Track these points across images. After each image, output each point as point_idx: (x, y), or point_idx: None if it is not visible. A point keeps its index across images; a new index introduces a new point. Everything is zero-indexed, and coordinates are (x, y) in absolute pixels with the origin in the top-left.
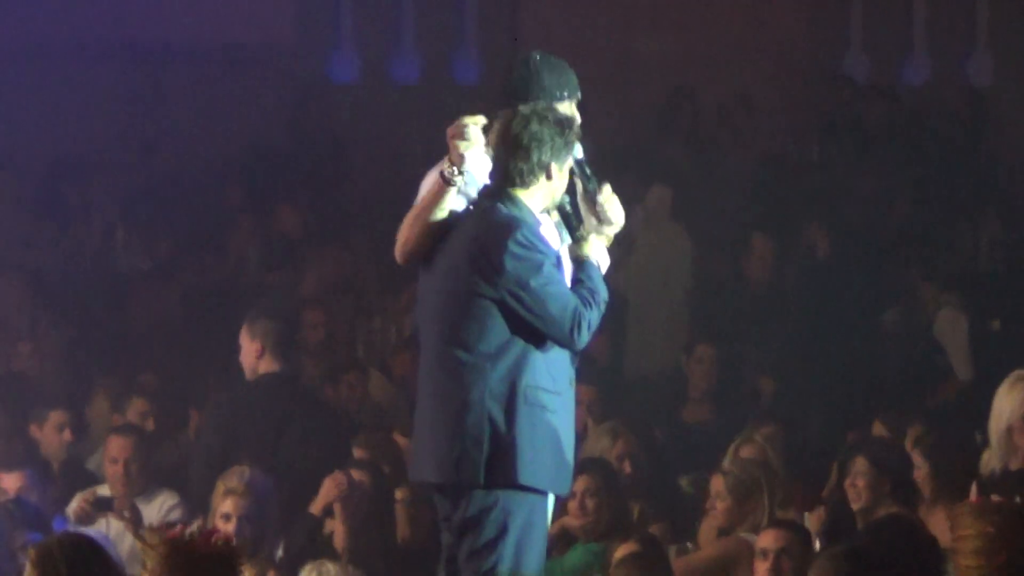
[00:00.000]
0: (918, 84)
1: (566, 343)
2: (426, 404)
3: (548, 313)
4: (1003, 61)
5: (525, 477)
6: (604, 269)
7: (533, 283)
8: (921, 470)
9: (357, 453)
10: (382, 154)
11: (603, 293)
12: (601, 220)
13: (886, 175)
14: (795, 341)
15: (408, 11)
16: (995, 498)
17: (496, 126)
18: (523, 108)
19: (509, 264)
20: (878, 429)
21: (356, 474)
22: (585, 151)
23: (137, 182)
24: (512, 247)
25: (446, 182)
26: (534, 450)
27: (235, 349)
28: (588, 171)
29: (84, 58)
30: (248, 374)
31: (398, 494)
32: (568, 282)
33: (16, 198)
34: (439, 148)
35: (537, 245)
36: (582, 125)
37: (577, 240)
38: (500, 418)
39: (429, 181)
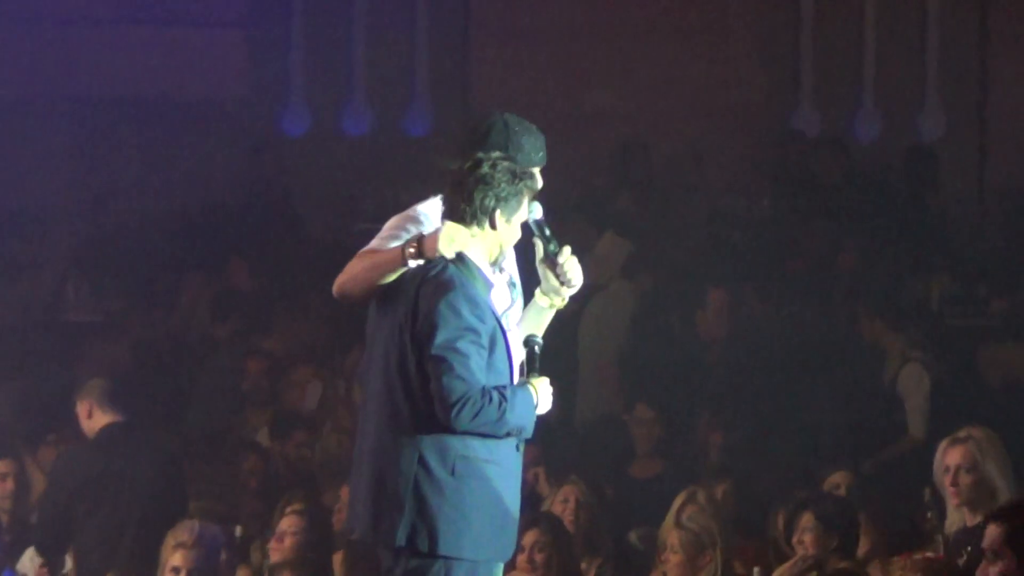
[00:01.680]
0: (868, 141)
1: (444, 418)
2: (362, 451)
3: (442, 380)
4: (953, 116)
5: (449, 547)
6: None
7: (442, 344)
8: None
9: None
10: (333, 206)
11: (516, 421)
12: (562, 282)
13: (835, 228)
14: (746, 396)
15: (359, 64)
16: (928, 555)
17: (450, 173)
18: (480, 154)
19: (437, 324)
20: (834, 481)
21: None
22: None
23: (87, 234)
24: (443, 309)
25: (404, 261)
26: (465, 520)
27: (185, 402)
28: (548, 232)
29: (33, 110)
30: (88, 435)
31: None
32: (511, 343)
33: None
34: (391, 199)
35: (466, 313)
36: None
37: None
38: (427, 486)
39: (393, 225)
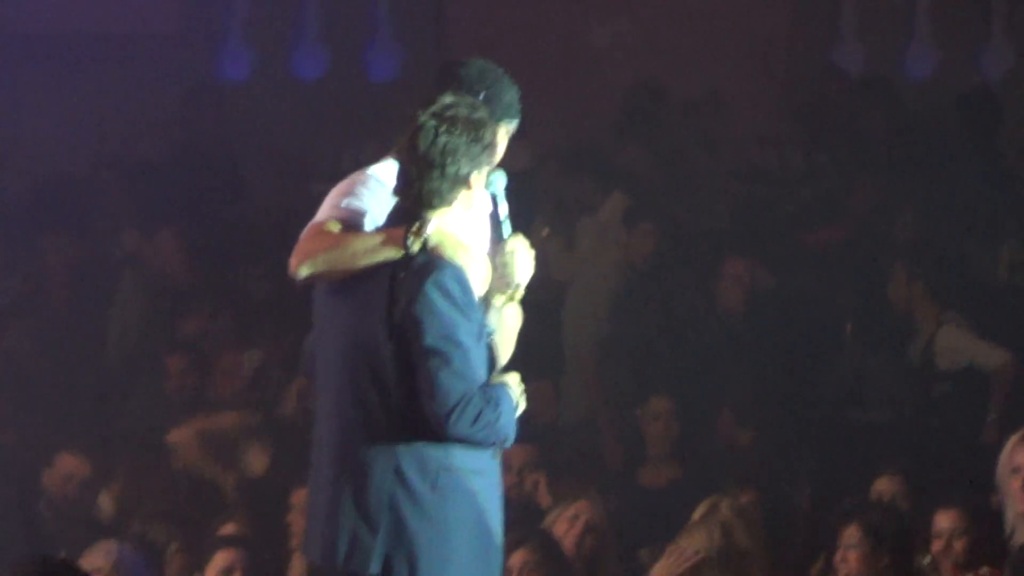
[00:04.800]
0: (922, 78)
1: (438, 423)
2: (322, 466)
3: (438, 377)
4: (1022, 50)
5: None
6: (511, 341)
7: (436, 335)
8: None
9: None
10: (281, 164)
11: (505, 426)
12: (501, 277)
13: (886, 186)
14: (774, 386)
15: None
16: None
17: (401, 139)
18: (422, 116)
19: (427, 311)
20: (880, 488)
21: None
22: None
23: None
24: (432, 293)
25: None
26: (448, 544)
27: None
28: (503, 212)
29: None
30: None
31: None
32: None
33: None
34: (349, 156)
35: (459, 296)
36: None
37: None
38: (405, 503)
39: (342, 191)
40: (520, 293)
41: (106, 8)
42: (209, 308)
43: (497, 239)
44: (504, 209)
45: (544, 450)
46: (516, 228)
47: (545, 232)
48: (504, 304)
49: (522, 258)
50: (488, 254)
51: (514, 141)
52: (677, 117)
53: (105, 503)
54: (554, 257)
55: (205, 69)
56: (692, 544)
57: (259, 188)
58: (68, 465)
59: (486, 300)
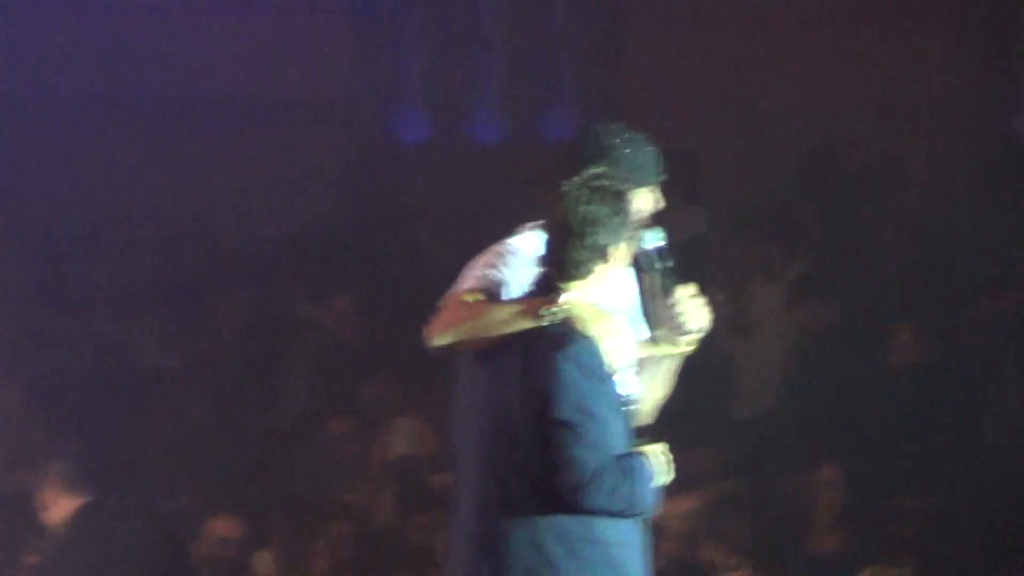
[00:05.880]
0: None
1: (571, 496)
2: (460, 535)
3: (572, 450)
4: None
5: None
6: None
7: (568, 406)
8: None
9: None
10: (457, 227)
11: (643, 498)
12: (673, 327)
13: None
14: (946, 452)
15: (490, 58)
16: None
17: (547, 207)
18: (566, 185)
19: (560, 382)
20: None
21: None
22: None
23: (159, 262)
24: (565, 364)
25: (539, 317)
26: None
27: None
28: (667, 264)
29: (101, 112)
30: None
31: None
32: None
33: (12, 280)
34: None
35: (595, 367)
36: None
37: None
38: (558, 556)
39: (483, 263)
40: (694, 344)
41: (282, 72)
42: (382, 372)
43: (665, 292)
44: (666, 264)
45: (707, 516)
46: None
47: (717, 297)
48: (676, 354)
49: (694, 306)
50: (653, 312)
51: (688, 205)
52: (854, 183)
53: (261, 564)
54: (725, 322)
55: (382, 132)
56: None
57: (434, 252)
58: (222, 528)
59: (637, 364)
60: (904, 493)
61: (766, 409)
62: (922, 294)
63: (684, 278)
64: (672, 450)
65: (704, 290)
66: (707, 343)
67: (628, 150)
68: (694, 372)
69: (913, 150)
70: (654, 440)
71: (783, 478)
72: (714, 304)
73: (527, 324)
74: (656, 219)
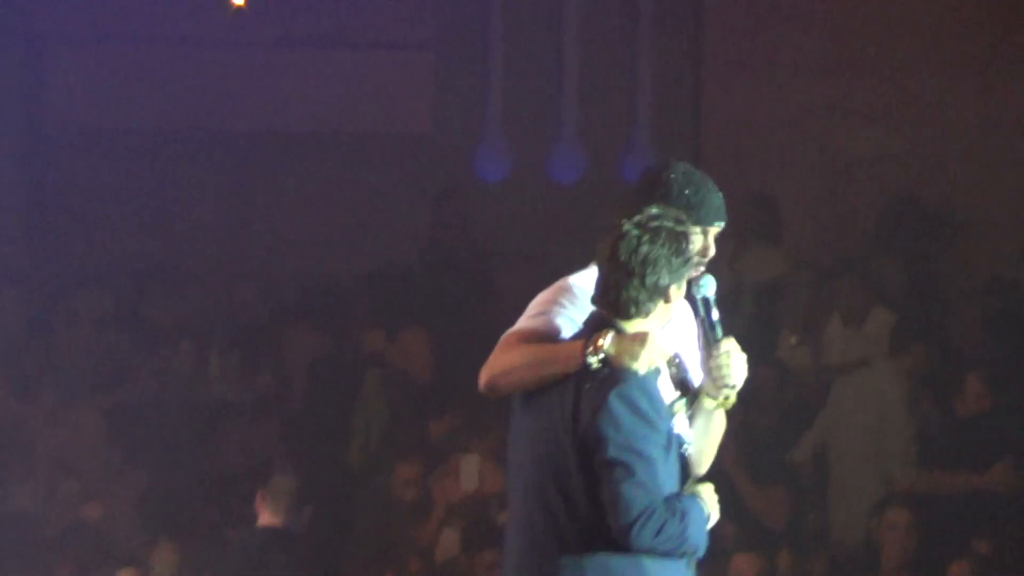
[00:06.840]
0: None
1: (620, 535)
2: (510, 572)
3: (620, 489)
4: None
5: None
6: (715, 446)
7: (619, 446)
8: None
9: None
10: (534, 267)
11: (695, 538)
12: (715, 380)
13: None
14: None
15: (569, 98)
16: None
17: (603, 247)
18: (626, 224)
19: (610, 422)
20: None
21: None
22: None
23: (234, 297)
24: (615, 404)
25: (583, 365)
26: None
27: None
28: (715, 316)
29: (176, 146)
30: None
31: None
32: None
33: (92, 318)
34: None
35: (645, 407)
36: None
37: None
38: None
39: (544, 300)
40: (733, 398)
41: (360, 108)
42: (451, 410)
43: (708, 343)
44: (715, 313)
45: (767, 555)
46: (766, 336)
47: (793, 340)
48: (716, 407)
49: (736, 360)
50: (699, 360)
51: (768, 250)
52: (934, 230)
53: None
54: (800, 365)
55: (463, 169)
56: None
57: (507, 290)
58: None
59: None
60: (972, 537)
61: (836, 450)
62: (996, 341)
63: (728, 330)
64: (742, 490)
65: (780, 333)
66: (780, 383)
67: (688, 191)
68: (769, 408)
69: (993, 200)
70: (703, 480)
71: (851, 519)
72: (787, 347)
73: (573, 367)
74: (733, 261)
